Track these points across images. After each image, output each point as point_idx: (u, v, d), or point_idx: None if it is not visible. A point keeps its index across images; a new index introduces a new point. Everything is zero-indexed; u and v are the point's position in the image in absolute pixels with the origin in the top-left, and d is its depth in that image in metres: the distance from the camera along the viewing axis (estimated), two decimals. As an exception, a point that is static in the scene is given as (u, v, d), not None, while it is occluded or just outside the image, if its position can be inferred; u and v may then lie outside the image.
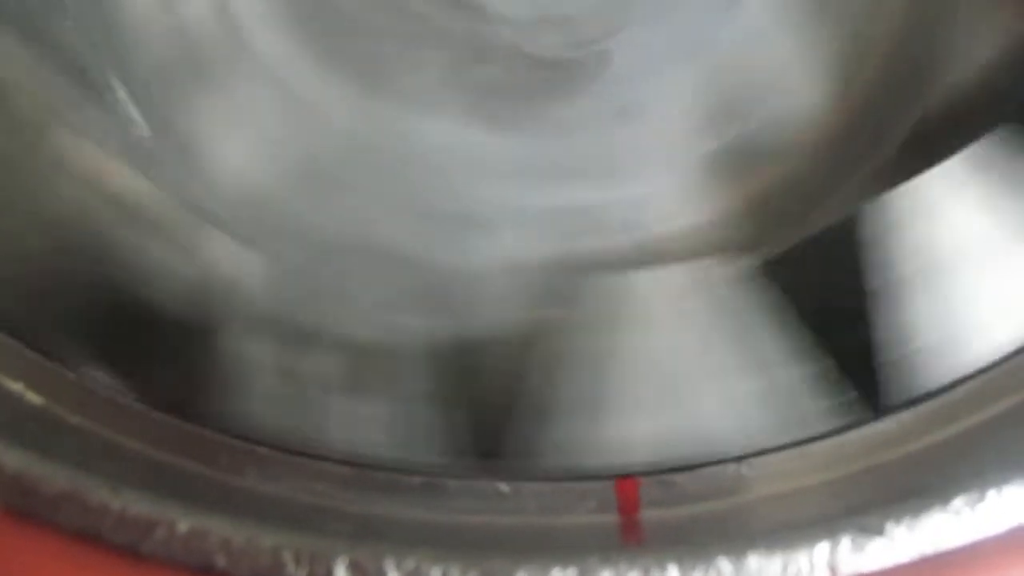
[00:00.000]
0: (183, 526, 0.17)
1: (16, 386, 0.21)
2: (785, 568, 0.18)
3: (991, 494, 0.18)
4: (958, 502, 0.18)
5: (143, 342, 0.24)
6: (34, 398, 0.21)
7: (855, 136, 0.34)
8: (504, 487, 0.22)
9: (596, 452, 0.23)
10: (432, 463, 0.22)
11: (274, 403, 0.22)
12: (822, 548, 0.18)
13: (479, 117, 0.34)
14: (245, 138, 0.33)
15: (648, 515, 0.22)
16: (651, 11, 0.35)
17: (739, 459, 0.23)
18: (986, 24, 0.33)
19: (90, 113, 0.30)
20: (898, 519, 0.18)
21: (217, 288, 0.25)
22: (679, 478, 0.23)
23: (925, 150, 0.26)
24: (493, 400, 0.26)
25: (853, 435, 0.23)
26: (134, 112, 0.32)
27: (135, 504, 0.17)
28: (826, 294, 0.27)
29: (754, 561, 0.18)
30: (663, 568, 0.18)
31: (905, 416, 0.23)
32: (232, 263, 0.26)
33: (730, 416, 0.23)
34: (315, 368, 0.23)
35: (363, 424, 0.23)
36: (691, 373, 0.24)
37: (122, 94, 0.32)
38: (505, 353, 0.27)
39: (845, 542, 0.18)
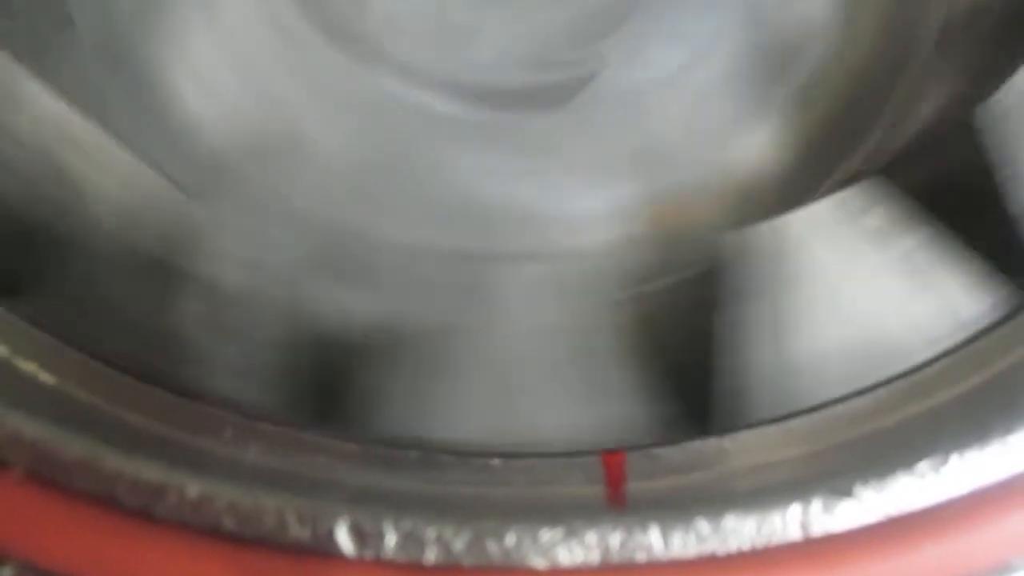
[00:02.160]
0: (193, 490, 0.18)
1: (29, 366, 0.22)
2: (760, 528, 0.19)
3: (954, 458, 0.19)
4: (923, 466, 0.19)
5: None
6: (47, 378, 0.22)
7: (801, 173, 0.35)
8: (495, 461, 0.23)
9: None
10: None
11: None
12: (794, 509, 0.19)
13: (468, 102, 0.35)
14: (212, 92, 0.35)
15: (634, 486, 0.23)
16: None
17: (721, 434, 0.24)
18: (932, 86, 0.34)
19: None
20: (866, 482, 0.19)
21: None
22: (664, 451, 0.24)
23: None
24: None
25: (830, 411, 0.24)
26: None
27: (147, 470, 0.18)
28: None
29: (730, 521, 0.19)
30: (645, 528, 0.19)
31: (880, 393, 0.24)
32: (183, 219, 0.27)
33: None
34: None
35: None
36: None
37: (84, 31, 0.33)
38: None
39: (816, 503, 0.19)
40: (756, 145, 0.35)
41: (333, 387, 0.23)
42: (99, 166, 0.26)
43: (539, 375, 0.25)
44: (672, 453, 0.24)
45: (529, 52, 0.36)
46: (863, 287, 0.25)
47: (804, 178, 0.34)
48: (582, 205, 0.34)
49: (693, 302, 0.26)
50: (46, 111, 0.26)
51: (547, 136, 0.35)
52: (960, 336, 0.25)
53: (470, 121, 0.35)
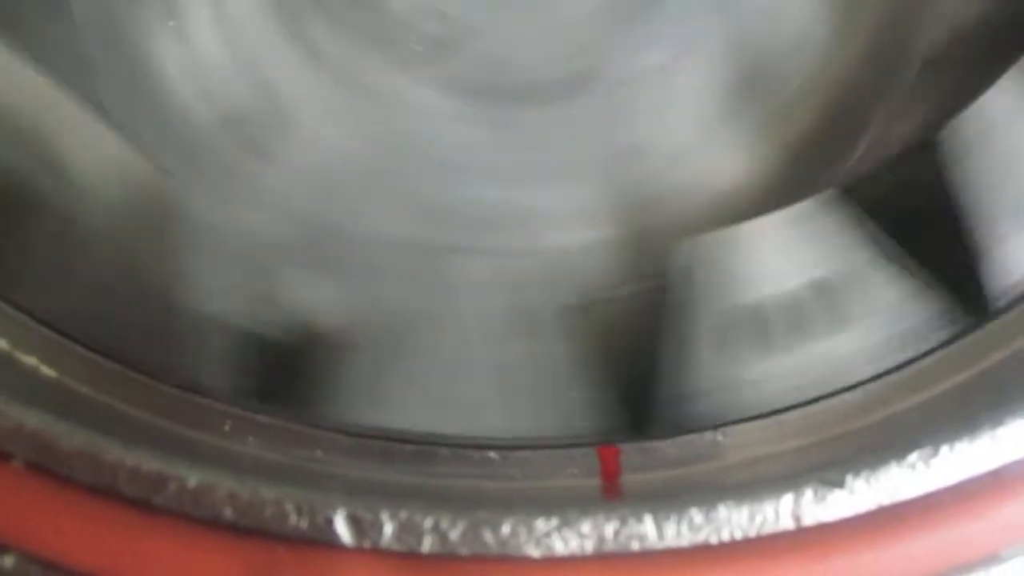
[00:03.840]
0: (192, 481, 0.19)
1: (30, 360, 0.23)
2: (752, 518, 0.19)
3: (944, 450, 0.20)
4: (913, 457, 0.20)
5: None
6: (48, 371, 0.23)
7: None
8: (492, 454, 0.24)
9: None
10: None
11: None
12: (787, 499, 0.19)
13: (476, 118, 0.35)
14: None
15: (629, 479, 0.23)
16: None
17: (716, 427, 0.24)
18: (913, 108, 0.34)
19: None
20: (857, 473, 0.19)
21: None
22: (659, 445, 0.24)
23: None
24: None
25: (822, 405, 0.24)
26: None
27: (147, 460, 0.19)
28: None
29: (723, 511, 0.19)
30: (639, 518, 0.19)
31: (870, 387, 0.25)
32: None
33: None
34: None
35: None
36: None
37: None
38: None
39: (808, 494, 0.19)
40: (734, 156, 0.34)
41: (290, 371, 0.23)
42: (85, 145, 0.26)
43: (486, 373, 0.25)
44: (667, 447, 0.24)
45: (518, 55, 0.36)
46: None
47: (781, 192, 0.34)
48: (550, 205, 0.34)
49: (644, 314, 0.26)
50: (39, 93, 0.26)
51: (524, 135, 0.35)
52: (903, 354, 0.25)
53: (453, 118, 0.35)
